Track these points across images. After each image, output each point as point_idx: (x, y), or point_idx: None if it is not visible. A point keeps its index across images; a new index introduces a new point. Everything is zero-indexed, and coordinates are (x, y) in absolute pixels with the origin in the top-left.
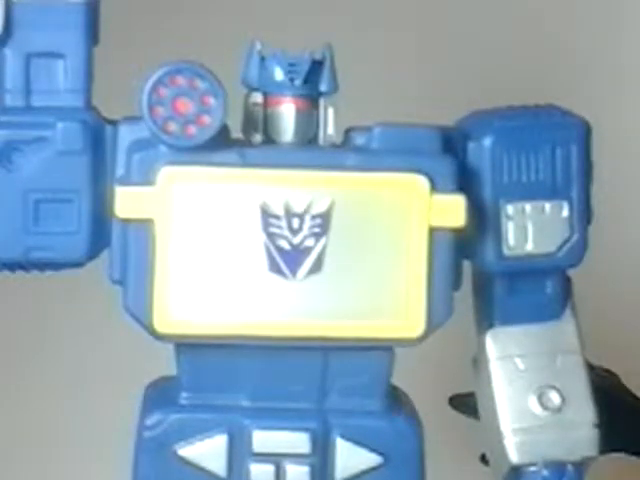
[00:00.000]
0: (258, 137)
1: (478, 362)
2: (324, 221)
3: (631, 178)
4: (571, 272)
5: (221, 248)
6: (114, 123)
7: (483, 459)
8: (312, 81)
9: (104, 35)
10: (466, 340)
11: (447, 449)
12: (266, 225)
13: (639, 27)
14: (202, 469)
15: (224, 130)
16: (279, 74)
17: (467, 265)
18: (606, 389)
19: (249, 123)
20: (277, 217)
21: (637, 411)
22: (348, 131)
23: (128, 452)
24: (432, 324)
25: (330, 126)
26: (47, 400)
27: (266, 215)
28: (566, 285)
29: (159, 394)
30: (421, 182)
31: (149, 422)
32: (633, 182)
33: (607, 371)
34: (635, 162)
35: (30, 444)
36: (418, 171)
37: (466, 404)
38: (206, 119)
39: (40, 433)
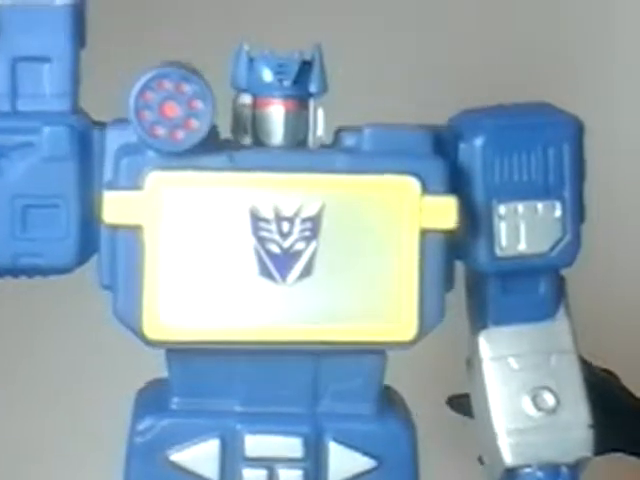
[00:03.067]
0: (247, 139)
1: (472, 363)
2: (314, 224)
3: (625, 177)
4: (565, 272)
5: (211, 253)
6: (102, 125)
7: (481, 460)
8: (301, 82)
9: (91, 38)
10: (463, 341)
11: (445, 449)
12: (256, 229)
13: (632, 27)
14: (194, 474)
15: (213, 132)
16: (268, 75)
17: (460, 266)
18: (605, 389)
19: (238, 125)
20: (267, 221)
21: (636, 411)
22: (338, 132)
23: (120, 457)
24: (424, 327)
25: (320, 127)
26: (38, 404)
27: (256, 219)
28: (560, 285)
29: (150, 399)
30: (412, 184)
31: (140, 427)
32: (627, 181)
33: (606, 371)
34: (628, 161)
35: (21, 449)
36: (409, 173)
37: (464, 405)
38: (194, 123)
39: (31, 438)
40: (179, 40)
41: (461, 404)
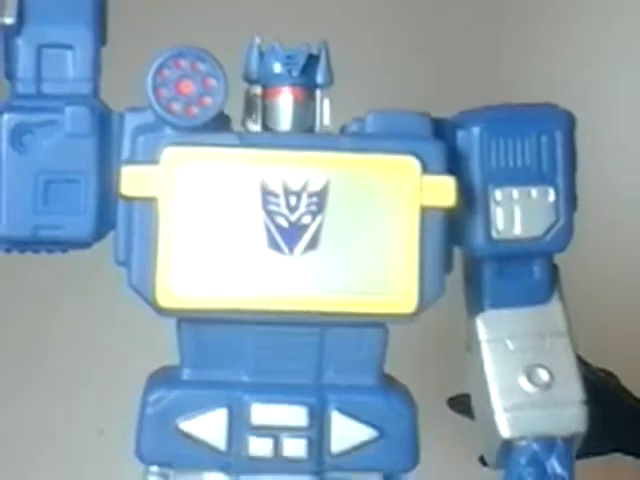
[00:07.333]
0: (257, 128)
1: (469, 345)
2: (320, 199)
3: (621, 170)
4: (565, 264)
5: (222, 225)
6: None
7: (482, 460)
8: (309, 73)
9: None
10: (460, 339)
11: (447, 449)
12: (265, 203)
13: (633, 26)
14: (202, 442)
15: (225, 120)
16: (277, 67)
17: (457, 256)
18: (604, 389)
19: (249, 114)
20: (275, 195)
21: (635, 411)
22: (344, 126)
23: (128, 446)
24: (424, 301)
25: (326, 117)
26: (46, 395)
27: (265, 193)
28: (553, 271)
29: (161, 376)
30: (413, 163)
31: (151, 398)
32: (623, 175)
33: (605, 371)
34: (625, 155)
35: (28, 440)
36: (410, 153)
37: (465, 405)
38: (208, 100)
39: (38, 428)
40: (192, 35)
41: (461, 404)
